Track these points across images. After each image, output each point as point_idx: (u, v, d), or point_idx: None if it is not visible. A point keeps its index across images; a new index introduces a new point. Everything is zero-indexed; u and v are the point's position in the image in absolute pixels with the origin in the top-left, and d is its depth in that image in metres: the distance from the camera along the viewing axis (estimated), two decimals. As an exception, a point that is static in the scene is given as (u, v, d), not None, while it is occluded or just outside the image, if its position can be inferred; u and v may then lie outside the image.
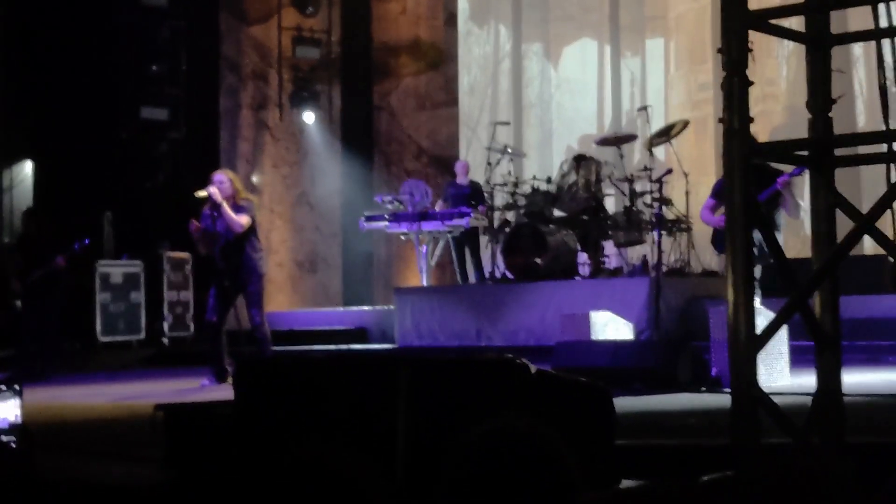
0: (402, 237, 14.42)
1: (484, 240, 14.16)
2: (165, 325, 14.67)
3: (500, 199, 13.68)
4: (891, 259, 10.39)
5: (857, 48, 13.47)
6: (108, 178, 15.18)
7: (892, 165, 3.68)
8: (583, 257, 13.15)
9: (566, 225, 13.00)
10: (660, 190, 12.02)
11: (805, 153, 3.83)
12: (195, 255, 14.33)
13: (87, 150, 15.01)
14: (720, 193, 9.39)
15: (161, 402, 5.38)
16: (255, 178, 16.92)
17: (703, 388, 7.97)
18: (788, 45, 14.07)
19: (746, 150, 3.42)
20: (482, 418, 4.28)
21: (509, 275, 13.03)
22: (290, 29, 17.54)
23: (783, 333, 8.12)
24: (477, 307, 12.84)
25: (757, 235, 3.82)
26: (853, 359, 8.64)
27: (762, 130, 14.77)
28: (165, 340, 14.65)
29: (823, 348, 3.67)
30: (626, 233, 12.86)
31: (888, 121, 3.81)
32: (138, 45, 15.68)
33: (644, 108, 13.35)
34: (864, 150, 4.13)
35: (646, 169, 12.53)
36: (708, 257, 12.79)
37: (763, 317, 6.86)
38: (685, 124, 12.81)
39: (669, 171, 12.22)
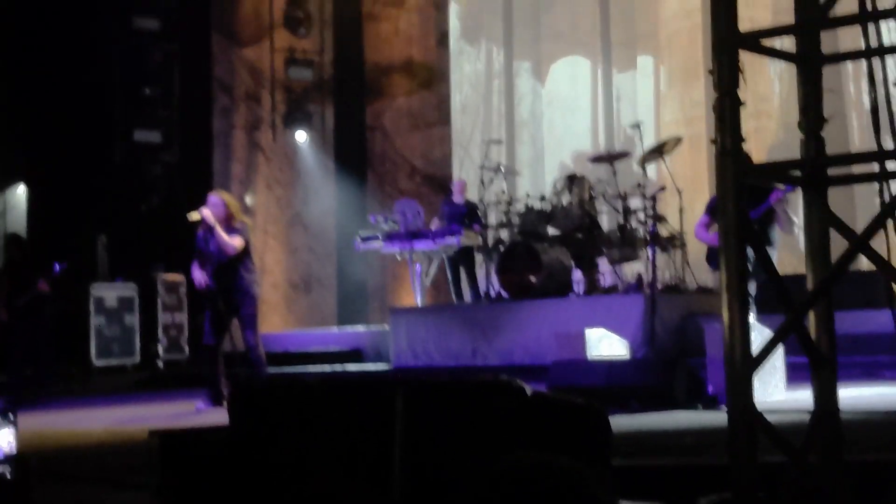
0: (399, 257, 14.42)
1: (478, 258, 14.16)
2: (160, 348, 14.64)
3: (493, 217, 13.68)
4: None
5: (848, 66, 13.51)
6: (101, 200, 15.20)
7: (884, 184, 3.68)
8: (577, 275, 13.15)
9: (560, 243, 13.00)
10: (654, 207, 12.02)
11: (798, 173, 3.83)
12: (189, 277, 14.32)
13: (81, 174, 15.03)
14: (714, 210, 9.39)
15: (156, 427, 5.35)
16: (248, 199, 16.92)
17: (700, 406, 7.95)
18: (780, 62, 14.09)
19: (739, 170, 3.42)
20: (479, 441, 4.27)
21: (504, 293, 13.02)
22: (283, 50, 17.59)
23: (778, 348, 8.11)
24: (472, 326, 12.82)
25: (751, 251, 3.81)
26: (849, 374, 8.63)
27: (756, 147, 14.79)
28: (160, 363, 14.61)
29: (820, 368, 3.66)
30: (621, 250, 12.85)
31: (880, 140, 3.81)
32: (131, 67, 15.74)
33: (636, 125, 13.36)
34: (856, 168, 4.13)
35: (639, 186, 12.53)
36: (702, 274, 12.78)
37: (758, 333, 6.85)
38: (678, 141, 12.81)
39: (663, 189, 12.22)
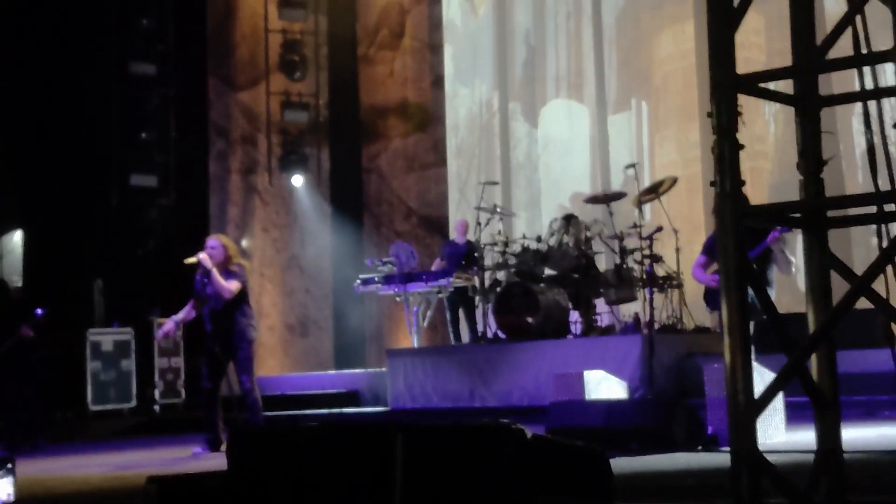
0: (398, 298, 14.42)
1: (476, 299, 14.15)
2: (156, 393, 14.58)
3: (490, 258, 13.68)
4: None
5: (837, 107, 13.58)
6: (97, 245, 15.20)
7: (883, 226, 3.68)
8: (574, 315, 13.13)
9: (557, 283, 13.00)
10: (650, 247, 12.03)
11: (798, 215, 3.84)
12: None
13: (77, 218, 15.04)
14: (711, 250, 9.40)
15: (154, 472, 5.32)
16: (244, 242, 16.93)
17: (700, 447, 7.92)
18: (776, 104, 14.15)
19: (739, 212, 3.43)
20: (479, 485, 4.25)
21: (501, 334, 13.01)
22: (278, 93, 17.68)
23: (778, 390, 8.08)
24: (470, 368, 12.80)
25: (749, 291, 3.81)
26: (848, 414, 8.54)
27: (752, 187, 14.81)
28: (156, 408, 14.55)
29: (823, 410, 3.65)
30: (618, 290, 12.85)
31: (877, 182, 3.82)
32: (127, 112, 15.80)
33: (632, 166, 13.39)
34: (852, 209, 4.13)
35: (635, 226, 12.55)
36: (700, 314, 12.77)
37: (759, 374, 6.83)
38: (673, 181, 12.85)
39: (660, 229, 12.24)
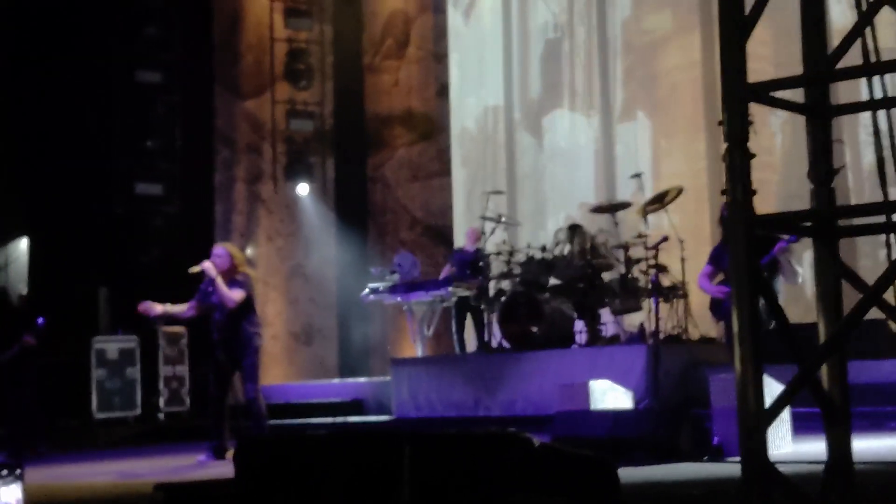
0: (405, 308, 14.44)
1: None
2: (161, 401, 14.58)
3: (495, 267, 13.67)
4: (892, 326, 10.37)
5: (847, 120, 13.59)
6: (103, 253, 15.21)
7: (892, 236, 3.68)
8: (579, 325, 13.11)
9: (562, 293, 12.98)
10: (655, 257, 12.01)
11: (808, 224, 3.84)
12: (191, 329, 14.32)
13: (83, 226, 15.05)
14: (717, 260, 9.40)
15: (160, 480, 5.32)
16: (249, 251, 16.94)
17: (706, 458, 7.90)
18: (783, 115, 14.13)
19: (749, 221, 3.43)
20: (487, 494, 4.24)
21: (506, 344, 12.99)
22: (284, 102, 17.70)
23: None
24: (474, 377, 12.78)
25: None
26: (855, 425, 8.57)
27: (760, 198, 14.78)
28: (161, 416, 14.55)
29: (833, 420, 3.64)
30: (623, 300, 12.83)
31: (886, 191, 3.82)
32: (133, 120, 15.82)
33: (637, 176, 13.37)
34: (858, 219, 4.13)
35: (641, 236, 12.53)
36: (705, 324, 12.75)
37: (766, 385, 6.81)
38: (679, 191, 12.82)
39: (665, 239, 12.21)
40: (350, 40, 18.71)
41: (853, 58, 3.86)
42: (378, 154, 18.65)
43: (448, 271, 14.30)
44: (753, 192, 3.51)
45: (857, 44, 3.83)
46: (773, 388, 6.55)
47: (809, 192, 3.78)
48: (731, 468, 7.20)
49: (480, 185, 17.69)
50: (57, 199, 15.14)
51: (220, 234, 16.38)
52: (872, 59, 3.82)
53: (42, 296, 14.19)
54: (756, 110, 3.80)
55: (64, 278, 14.69)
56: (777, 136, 15.26)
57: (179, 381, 14.81)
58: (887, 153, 3.92)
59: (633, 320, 13.48)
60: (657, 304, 11.39)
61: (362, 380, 15.83)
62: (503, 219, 14.06)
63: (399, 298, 14.18)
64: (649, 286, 12.20)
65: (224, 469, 7.69)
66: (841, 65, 3.82)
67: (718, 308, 9.44)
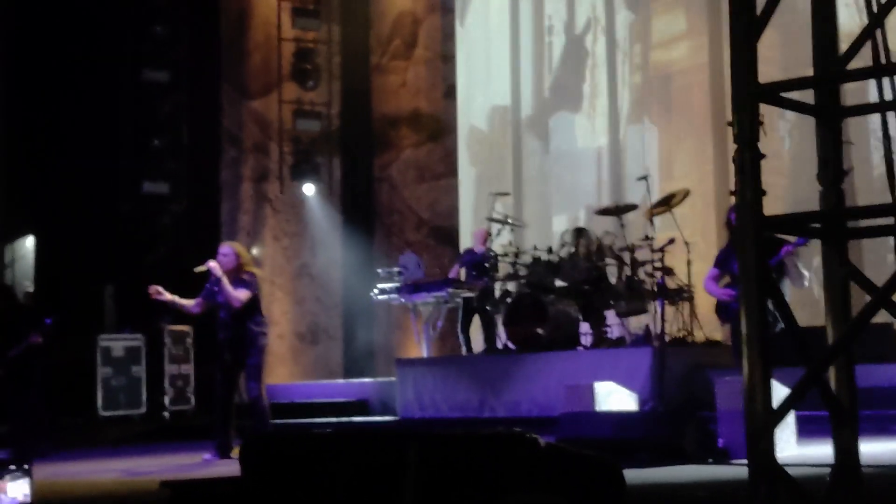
0: (411, 308, 14.45)
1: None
2: (166, 399, 14.59)
3: (501, 269, 13.67)
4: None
5: (854, 123, 13.57)
6: (109, 251, 15.21)
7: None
8: (585, 327, 13.11)
9: (568, 295, 12.98)
10: (661, 259, 12.01)
11: (817, 225, 3.83)
12: (196, 328, 14.33)
13: (89, 225, 15.06)
14: (723, 263, 9.39)
15: (166, 477, 5.32)
16: (255, 250, 16.93)
17: (711, 460, 7.90)
18: (790, 119, 14.11)
19: (759, 222, 3.42)
20: (492, 494, 4.24)
21: (511, 345, 12.99)
22: (291, 102, 17.70)
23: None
24: (479, 378, 12.78)
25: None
26: (859, 428, 8.56)
27: (767, 202, 14.75)
28: (166, 414, 14.56)
29: (841, 423, 3.64)
30: (628, 302, 12.82)
31: (895, 194, 3.80)
32: (140, 119, 15.84)
33: (644, 178, 13.36)
34: (865, 221, 4.12)
35: (647, 238, 12.52)
36: (710, 327, 12.74)
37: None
38: (686, 194, 12.82)
39: (672, 241, 12.22)
40: (358, 40, 18.71)
41: (861, 61, 3.86)
42: (385, 155, 18.64)
43: (456, 272, 14.30)
44: (763, 193, 3.51)
45: (866, 47, 3.82)
46: (778, 392, 6.54)
47: (818, 196, 3.77)
48: (736, 471, 7.19)
49: (487, 187, 17.68)
50: (63, 197, 15.15)
51: (227, 233, 16.38)
52: (883, 60, 3.81)
53: (48, 294, 14.22)
54: (764, 115, 3.79)
55: (70, 276, 14.70)
56: (785, 140, 15.25)
57: (185, 380, 14.83)
58: (896, 156, 3.91)
59: (638, 322, 13.47)
60: (663, 306, 11.40)
61: (367, 380, 15.83)
62: (509, 220, 14.05)
63: (402, 299, 14.22)
64: (655, 288, 12.20)
65: (229, 467, 7.70)
66: (849, 67, 3.82)
67: (724, 311, 9.44)
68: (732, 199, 3.74)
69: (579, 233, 13.13)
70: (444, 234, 17.86)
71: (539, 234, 16.59)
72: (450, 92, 18.35)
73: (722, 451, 8.05)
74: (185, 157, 16.20)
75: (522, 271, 13.31)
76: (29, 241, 16.03)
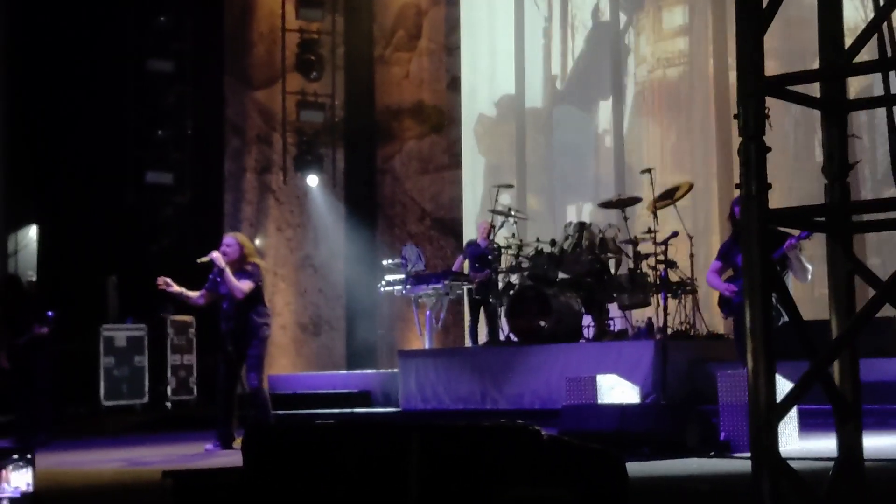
0: (413, 299, 14.48)
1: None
2: (169, 389, 14.61)
3: (504, 261, 13.67)
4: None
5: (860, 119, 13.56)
6: (112, 242, 15.22)
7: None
8: (587, 320, 13.12)
9: (570, 287, 12.98)
10: (665, 252, 12.01)
11: (821, 219, 3.83)
12: (199, 318, 14.33)
13: (92, 215, 15.07)
14: (726, 256, 9.38)
15: (168, 468, 5.33)
16: (258, 241, 16.95)
17: (713, 453, 7.90)
18: (794, 115, 14.09)
19: (764, 215, 3.42)
20: (494, 486, 4.24)
21: (514, 337, 12.99)
22: (295, 93, 17.70)
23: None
24: (482, 370, 12.80)
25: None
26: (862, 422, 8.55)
27: (771, 198, 14.75)
28: (169, 404, 14.59)
29: (845, 417, 3.63)
30: (631, 295, 12.82)
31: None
32: (144, 109, 15.85)
33: (647, 171, 13.33)
34: (869, 215, 4.11)
35: (650, 232, 12.52)
36: (713, 319, 12.74)
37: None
38: (690, 187, 12.82)
39: (675, 234, 12.21)
40: (361, 32, 18.71)
41: (867, 54, 3.85)
42: (388, 146, 18.64)
43: (460, 264, 14.30)
44: (769, 187, 3.51)
45: (872, 41, 3.81)
46: (781, 385, 6.55)
47: (823, 190, 3.77)
48: (737, 464, 7.20)
49: (491, 179, 17.68)
50: (67, 187, 15.16)
51: (230, 223, 16.40)
52: (889, 54, 3.81)
53: (51, 283, 14.21)
54: (770, 108, 3.79)
55: (73, 266, 14.70)
56: (789, 136, 15.23)
57: (187, 370, 14.85)
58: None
59: (641, 315, 13.47)
60: (665, 299, 11.39)
61: (369, 371, 15.86)
62: (512, 212, 14.06)
63: (403, 291, 14.27)
64: (658, 281, 12.19)
65: (232, 458, 7.71)
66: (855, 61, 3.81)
67: (727, 304, 9.43)
68: (737, 192, 3.73)
69: (582, 225, 13.13)
70: (447, 225, 17.86)
71: (542, 227, 16.58)
72: (453, 84, 18.34)
73: (724, 444, 8.06)
74: (188, 148, 16.21)
75: (525, 264, 13.31)
76: (32, 231, 16.03)
